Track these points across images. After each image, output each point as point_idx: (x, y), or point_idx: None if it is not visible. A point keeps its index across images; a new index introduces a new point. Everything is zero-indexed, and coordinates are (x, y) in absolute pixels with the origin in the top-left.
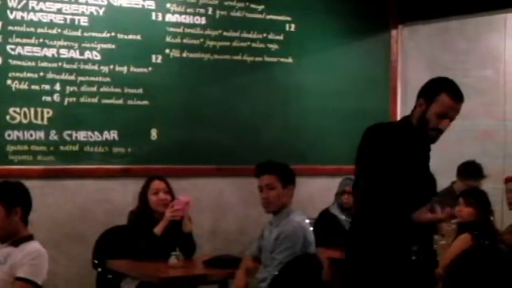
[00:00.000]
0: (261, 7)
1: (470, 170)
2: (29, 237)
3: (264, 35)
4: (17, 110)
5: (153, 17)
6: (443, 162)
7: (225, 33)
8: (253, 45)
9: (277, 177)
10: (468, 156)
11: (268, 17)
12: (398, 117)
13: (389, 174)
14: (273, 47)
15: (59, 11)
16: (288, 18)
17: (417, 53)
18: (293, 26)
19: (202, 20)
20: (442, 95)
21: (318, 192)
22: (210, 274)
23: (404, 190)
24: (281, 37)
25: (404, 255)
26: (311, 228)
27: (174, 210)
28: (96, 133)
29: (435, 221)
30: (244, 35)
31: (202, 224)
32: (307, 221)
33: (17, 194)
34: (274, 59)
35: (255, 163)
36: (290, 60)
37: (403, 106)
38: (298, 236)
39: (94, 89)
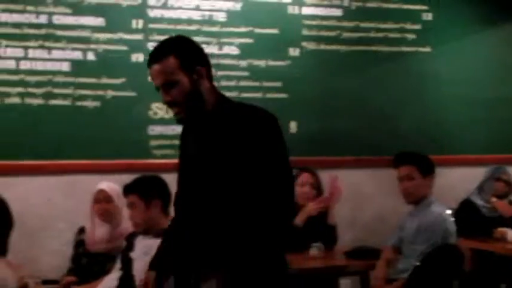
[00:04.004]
0: None
1: None
2: None
3: (401, 25)
4: (159, 105)
5: (289, 11)
6: None
7: (361, 25)
8: (390, 35)
9: (416, 167)
10: None
11: (405, 6)
12: None
13: None
14: (410, 36)
15: (197, 8)
16: (424, 7)
17: None
18: (430, 15)
19: (338, 12)
20: None
21: (458, 183)
22: (351, 265)
23: None
24: (418, 26)
25: None
26: (452, 219)
27: (317, 207)
28: None
29: None
30: (381, 25)
31: (341, 214)
32: (449, 211)
33: (153, 187)
34: (412, 49)
35: (393, 154)
36: (428, 49)
37: None
38: (438, 226)
39: (233, 83)
